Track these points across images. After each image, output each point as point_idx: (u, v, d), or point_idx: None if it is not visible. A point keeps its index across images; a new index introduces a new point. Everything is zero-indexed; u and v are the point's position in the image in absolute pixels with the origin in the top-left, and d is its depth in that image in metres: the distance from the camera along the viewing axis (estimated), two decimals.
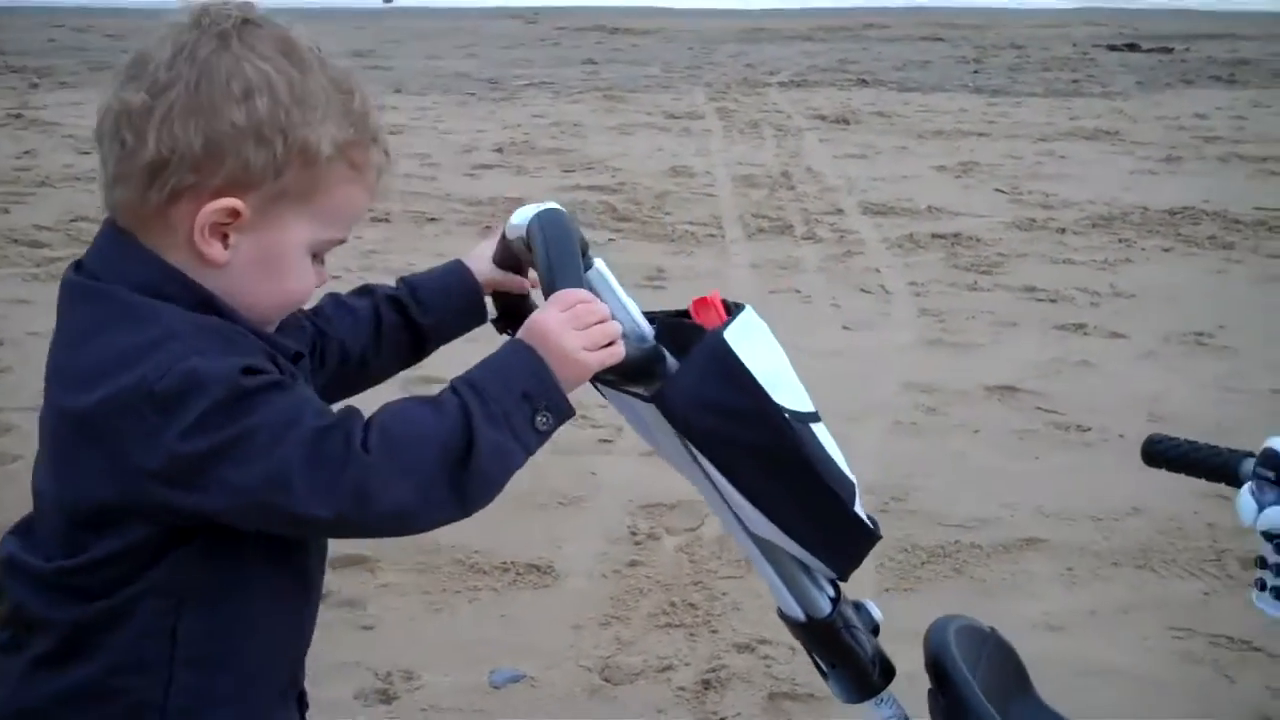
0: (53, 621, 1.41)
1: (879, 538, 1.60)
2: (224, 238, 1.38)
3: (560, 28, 16.66)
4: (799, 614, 1.64)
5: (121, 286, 1.37)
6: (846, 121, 10.35)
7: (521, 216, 1.62)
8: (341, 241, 1.46)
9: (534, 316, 1.44)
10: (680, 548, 3.64)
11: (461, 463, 1.35)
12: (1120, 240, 6.95)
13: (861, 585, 3.43)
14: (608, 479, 4.03)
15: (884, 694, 1.68)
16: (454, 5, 19.77)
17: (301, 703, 1.59)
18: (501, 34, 16.01)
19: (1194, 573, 3.57)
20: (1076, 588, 3.50)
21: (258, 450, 1.30)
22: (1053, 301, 5.93)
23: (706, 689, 3.00)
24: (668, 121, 10.21)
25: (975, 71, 13.49)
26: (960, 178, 8.47)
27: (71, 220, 6.77)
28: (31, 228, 6.59)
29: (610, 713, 2.92)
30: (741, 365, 1.49)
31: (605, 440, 4.28)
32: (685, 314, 1.61)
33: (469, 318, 1.75)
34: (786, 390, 1.55)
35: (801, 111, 10.76)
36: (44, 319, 5.23)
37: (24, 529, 1.48)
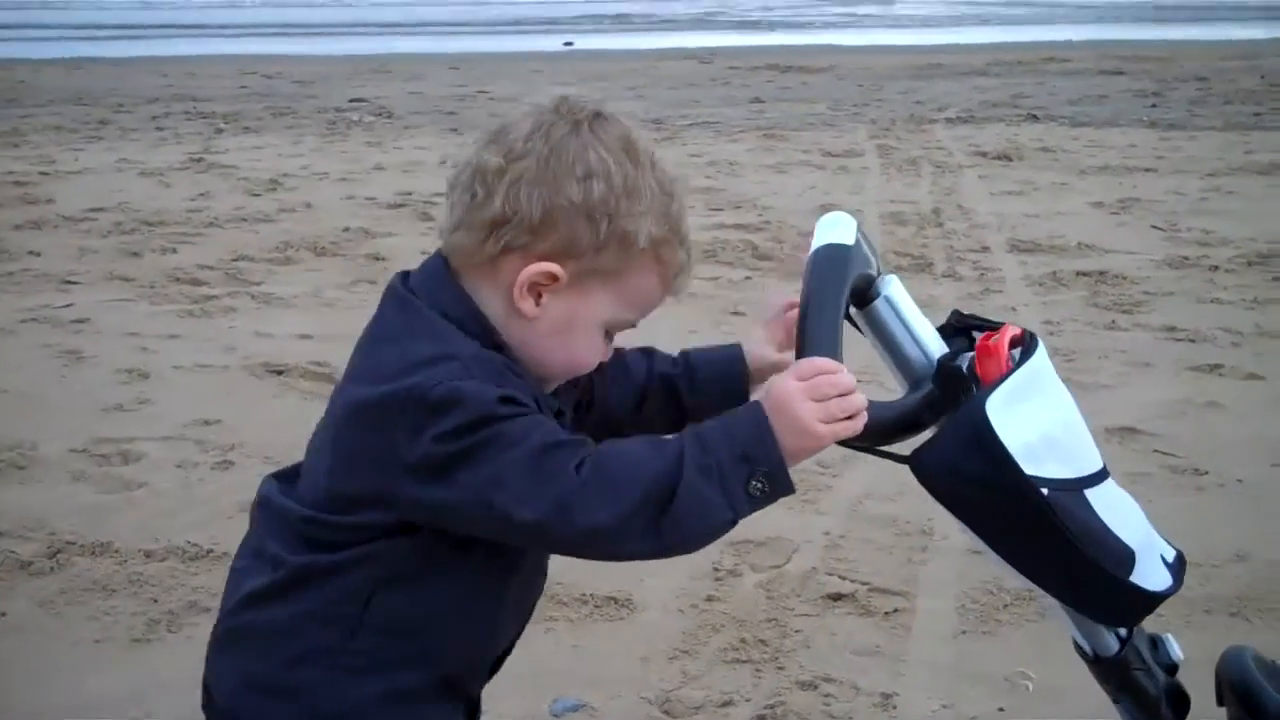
0: (282, 560, 1.64)
1: (1161, 598, 1.64)
2: (538, 296, 1.59)
3: (733, 67, 16.77)
4: (1088, 650, 1.72)
5: (434, 310, 1.59)
6: (1009, 158, 10.19)
7: (819, 236, 1.64)
8: (632, 325, 1.66)
9: (773, 381, 1.54)
10: (761, 584, 3.65)
11: (664, 502, 1.47)
12: (1274, 279, 6.71)
13: (939, 624, 3.42)
14: None
15: None
16: (631, 47, 20.15)
17: (473, 714, 1.79)
18: (674, 74, 16.19)
19: None
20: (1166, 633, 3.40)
21: (491, 456, 1.49)
22: (1192, 341, 5.76)
23: None
24: (825, 160, 10.20)
25: (1153, 105, 13.14)
26: (1117, 214, 8.28)
27: (234, 260, 7.07)
28: (195, 267, 6.92)
29: None
30: (997, 440, 1.53)
31: None
32: (985, 330, 1.66)
33: (731, 403, 1.77)
34: (1059, 455, 1.59)
35: (964, 148, 10.63)
36: (191, 354, 5.56)
37: (286, 476, 1.74)
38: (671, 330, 5.72)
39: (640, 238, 1.59)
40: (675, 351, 1.89)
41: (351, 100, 13.66)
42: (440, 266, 1.64)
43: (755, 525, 3.91)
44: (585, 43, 20.86)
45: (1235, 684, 1.78)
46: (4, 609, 3.45)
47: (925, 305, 5.69)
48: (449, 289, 1.61)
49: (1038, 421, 1.62)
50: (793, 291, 1.72)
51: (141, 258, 7.12)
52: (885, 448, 1.67)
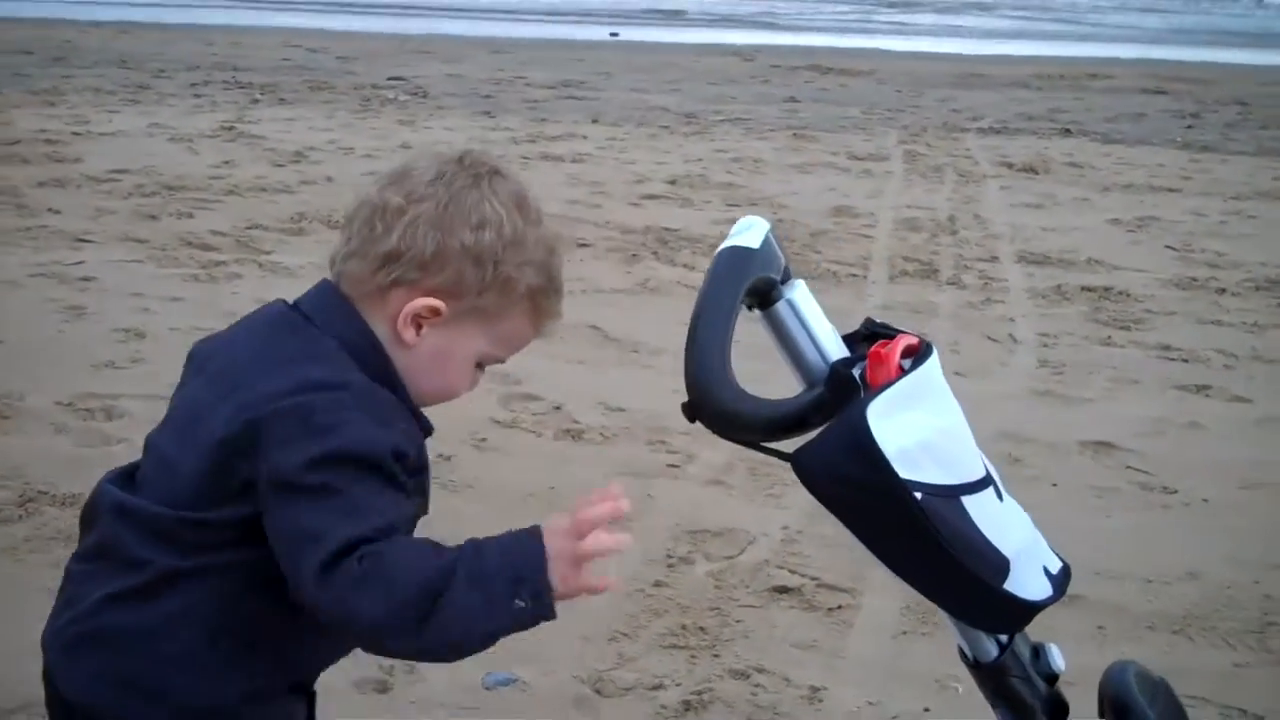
0: (148, 563, 1.66)
1: (1037, 608, 1.67)
2: (419, 327, 1.70)
3: (774, 66, 16.76)
4: (969, 654, 1.77)
5: (330, 336, 1.69)
6: (1035, 170, 10.17)
7: (728, 239, 1.71)
8: (501, 361, 1.80)
9: (556, 518, 1.65)
10: (711, 573, 3.69)
11: (431, 602, 1.55)
12: (1279, 305, 6.70)
13: (880, 622, 3.46)
14: (664, 503, 4.11)
15: None
16: (676, 40, 20.17)
17: (311, 697, 1.84)
18: (714, 70, 16.20)
19: (1231, 643, 3.46)
20: (1104, 647, 3.42)
21: (324, 510, 1.57)
22: (1185, 361, 5.75)
23: (687, 709, 3.06)
24: (849, 162, 10.20)
25: (1189, 126, 13.06)
26: (1133, 232, 8.25)
27: (247, 228, 7.17)
28: (208, 232, 7.01)
29: None
30: (874, 443, 1.57)
31: (673, 465, 4.37)
32: (882, 339, 1.71)
33: None
34: (937, 461, 1.63)
35: (991, 158, 10.61)
36: (190, 317, 5.64)
37: (125, 478, 1.77)
38: (665, 320, 5.79)
39: (520, 285, 1.73)
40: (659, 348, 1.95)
41: (389, 78, 13.75)
42: (332, 293, 1.74)
43: (715, 514, 3.99)
44: (632, 34, 20.87)
45: (1114, 699, 1.82)
46: None
47: (921, 312, 5.78)
48: (347, 314, 1.72)
49: (918, 428, 1.66)
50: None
51: (158, 221, 7.22)
52: (773, 445, 1.72)
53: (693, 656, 3.29)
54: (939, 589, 1.70)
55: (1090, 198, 9.30)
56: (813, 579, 3.65)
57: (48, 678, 1.75)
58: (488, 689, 3.11)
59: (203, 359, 1.81)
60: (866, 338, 1.78)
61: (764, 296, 1.73)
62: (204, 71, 13.52)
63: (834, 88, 15.14)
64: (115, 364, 4.96)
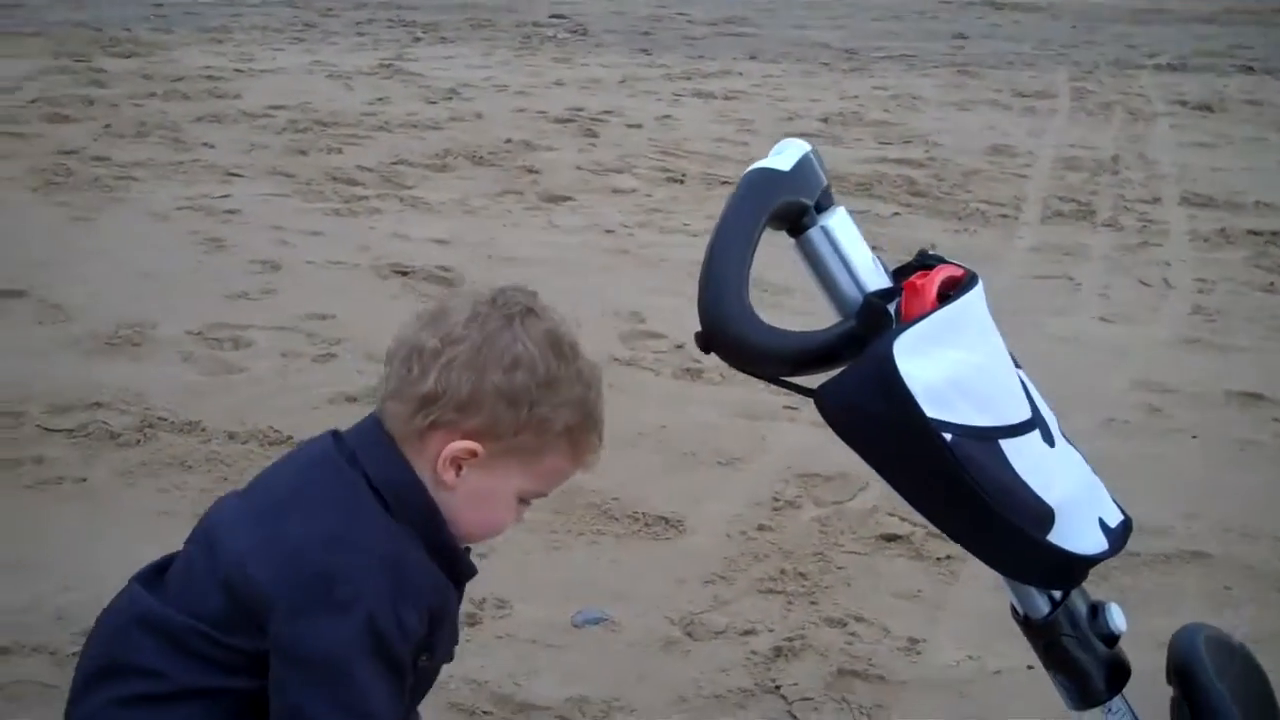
0: (162, 675, 1.70)
1: (1088, 561, 1.59)
2: (458, 468, 1.72)
3: (944, 2, 16.32)
4: (1019, 610, 1.70)
5: (363, 480, 1.71)
6: (1210, 109, 9.72)
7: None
8: (543, 495, 1.81)
9: None
10: (817, 519, 3.60)
11: None
12: None
13: (989, 576, 3.33)
14: (777, 444, 4.02)
15: (1113, 702, 1.69)
16: None
17: None
18: (880, 4, 15.84)
19: None
20: (1226, 609, 3.24)
21: (321, 694, 1.63)
22: None
23: (778, 656, 2.98)
24: (1013, 100, 9.88)
25: None
26: None
27: (393, 164, 7.21)
28: (354, 168, 7.08)
29: (673, 666, 2.95)
30: (898, 378, 1.50)
31: (790, 407, 4.27)
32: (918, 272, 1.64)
33: None
34: (973, 401, 1.55)
35: (1164, 96, 10.17)
36: (326, 250, 5.70)
37: (149, 578, 1.81)
38: (797, 259, 5.66)
39: (557, 425, 1.73)
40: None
41: (551, 15, 13.74)
42: (378, 431, 1.75)
43: (828, 459, 3.88)
44: None
45: (1179, 666, 1.71)
46: (86, 475, 3.61)
47: (1072, 254, 5.58)
48: (390, 453, 1.74)
49: (951, 365, 1.56)
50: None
51: (307, 156, 7.31)
52: (795, 380, 1.63)
53: (789, 602, 3.21)
54: (974, 538, 1.60)
55: (1267, 137, 8.86)
56: (922, 527, 3.52)
57: None
58: (577, 626, 3.08)
59: (254, 480, 1.86)
60: (917, 270, 1.68)
61: (795, 222, 1.64)
62: (369, 10, 13.68)
63: (1006, 24, 14.69)
64: (248, 295, 5.03)
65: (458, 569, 1.79)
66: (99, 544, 3.24)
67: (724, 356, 1.59)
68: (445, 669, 2.77)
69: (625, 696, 2.83)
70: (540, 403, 1.71)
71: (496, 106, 8.85)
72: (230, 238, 5.75)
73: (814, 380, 1.58)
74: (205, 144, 7.42)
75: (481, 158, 7.40)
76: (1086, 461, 1.74)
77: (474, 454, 1.71)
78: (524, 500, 1.80)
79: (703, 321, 1.57)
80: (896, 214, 6.70)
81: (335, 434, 1.80)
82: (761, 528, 3.54)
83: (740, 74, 10.66)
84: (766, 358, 1.57)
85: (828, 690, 2.88)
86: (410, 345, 1.73)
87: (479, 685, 2.82)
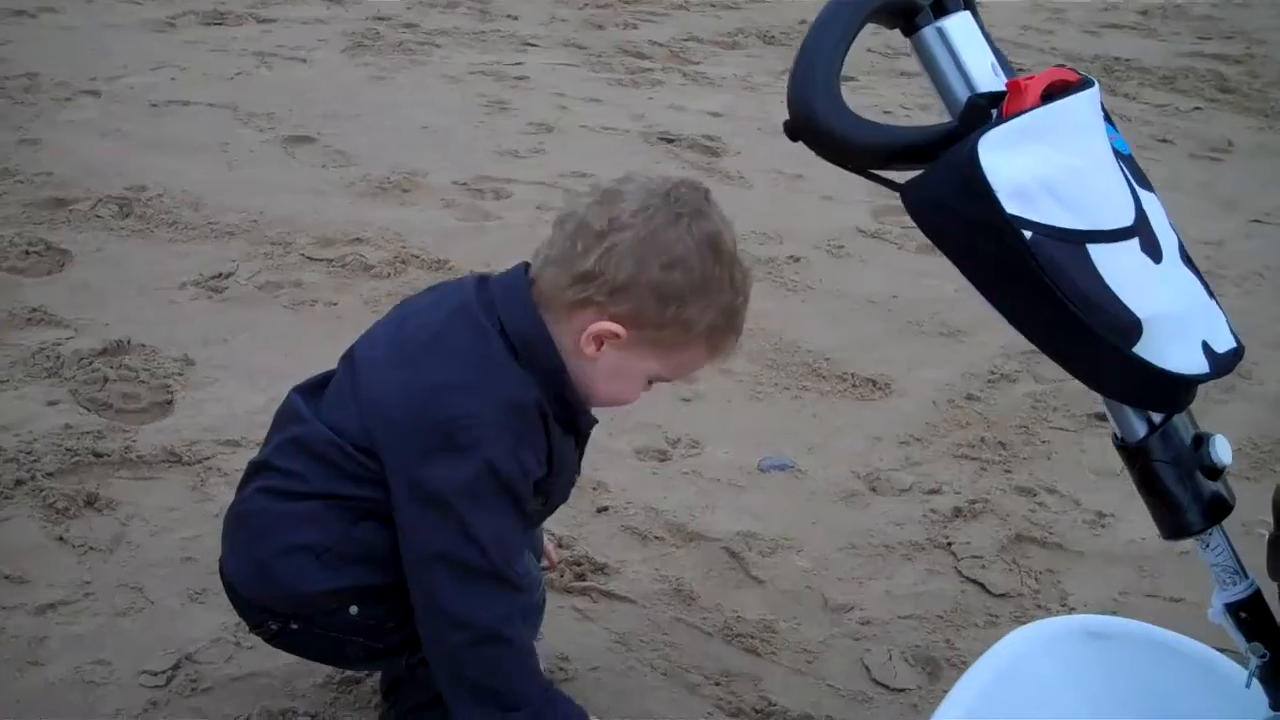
0: (302, 476, 1.94)
1: (1182, 381, 1.54)
2: (599, 344, 1.84)
3: None
4: (1116, 432, 1.69)
5: (498, 327, 1.85)
6: None
7: None
8: (668, 380, 1.93)
9: None
10: (1031, 394, 3.53)
11: (493, 704, 1.85)
12: None
13: None
14: (1003, 322, 3.92)
15: (1211, 538, 1.68)
16: None
17: None
18: None
19: None
20: None
21: (448, 528, 1.81)
22: None
23: (956, 515, 2.97)
24: None
25: None
26: None
27: (684, 40, 7.26)
28: (646, 42, 7.17)
29: (849, 515, 2.97)
30: (979, 174, 1.47)
31: None
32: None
33: None
34: (1062, 202, 1.51)
35: None
36: (601, 117, 5.86)
37: (311, 389, 2.05)
38: None
39: (699, 325, 1.82)
40: None
41: None
42: (523, 284, 1.88)
43: None
44: None
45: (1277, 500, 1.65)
46: (337, 300, 3.87)
47: None
48: (528, 313, 1.85)
49: (1041, 164, 1.51)
50: None
51: (603, 30, 7.46)
52: (884, 174, 1.62)
53: (982, 469, 3.18)
54: (1059, 348, 1.55)
55: None
56: None
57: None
58: (762, 471, 3.13)
59: (404, 306, 2.03)
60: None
61: (908, 21, 1.61)
62: None
63: None
64: (518, 153, 5.22)
65: (577, 422, 1.93)
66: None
67: (811, 146, 1.57)
68: (624, 494, 2.90)
69: (795, 537, 2.87)
70: (689, 303, 1.80)
71: None
72: (513, 101, 5.95)
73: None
74: (509, 15, 7.65)
75: (773, 37, 7.39)
76: (1206, 287, 1.67)
77: (616, 336, 1.82)
78: (651, 382, 1.92)
79: (791, 110, 1.55)
80: (1198, 108, 6.35)
81: (481, 279, 1.94)
82: (970, 397, 3.50)
83: None
84: (854, 149, 1.56)
85: (1000, 553, 2.85)
86: (579, 220, 1.83)
87: (655, 513, 2.92)
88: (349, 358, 2.01)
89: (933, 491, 3.07)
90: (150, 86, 5.85)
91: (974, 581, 2.75)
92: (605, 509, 2.92)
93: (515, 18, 7.61)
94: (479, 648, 1.83)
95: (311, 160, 5.02)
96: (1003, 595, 2.71)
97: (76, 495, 2.85)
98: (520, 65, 6.59)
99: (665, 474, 3.09)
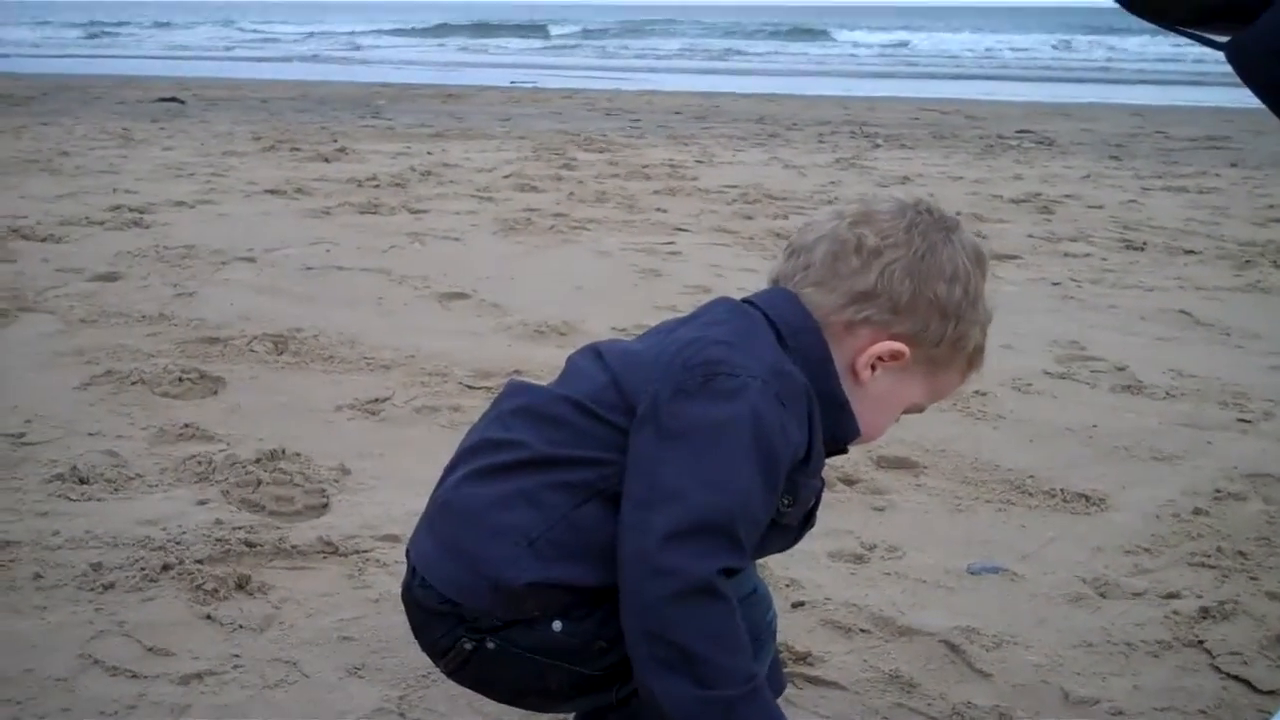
0: (520, 444, 1.70)
1: None
2: (873, 368, 1.73)
3: None
4: None
5: (763, 316, 1.71)
6: None
7: None
8: (920, 410, 1.81)
9: None
10: (1265, 511, 3.17)
11: (699, 681, 1.51)
12: None
13: None
14: (1224, 450, 3.59)
15: None
16: None
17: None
18: None
19: None
20: None
21: (690, 469, 1.56)
22: None
23: (1204, 617, 2.60)
24: None
25: None
26: None
27: None
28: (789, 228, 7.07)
29: (1079, 616, 2.63)
30: None
31: (1243, 420, 3.84)
32: None
33: None
34: None
35: None
36: (758, 283, 5.68)
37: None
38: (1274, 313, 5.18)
39: (970, 342, 1.75)
40: None
41: (1017, 131, 13.50)
42: (800, 306, 1.73)
43: (1274, 461, 3.44)
44: None
45: None
46: None
47: None
48: (796, 307, 1.73)
49: None
50: None
51: (752, 220, 7.40)
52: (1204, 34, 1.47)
53: (1224, 576, 2.81)
54: None
55: None
56: None
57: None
58: (973, 574, 2.81)
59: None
60: None
61: None
62: (833, 125, 13.89)
63: None
64: (676, 307, 5.05)
65: (841, 422, 1.73)
66: None
67: (1127, 4, 1.44)
68: (820, 590, 2.60)
69: (1021, 634, 2.53)
70: (964, 319, 1.72)
71: (949, 190, 8.70)
72: (668, 270, 5.84)
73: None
74: (658, 209, 7.64)
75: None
76: None
77: (899, 356, 1.71)
78: (906, 410, 1.80)
79: None
80: None
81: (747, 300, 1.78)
82: (1198, 511, 3.15)
83: (1218, 175, 10.05)
84: (1174, 3, 1.41)
85: (1262, 650, 2.48)
86: (842, 238, 1.72)
87: (858, 609, 2.61)
88: (584, 355, 1.82)
89: (1171, 595, 2.71)
90: (306, 256, 5.85)
91: (1236, 679, 2.38)
92: (801, 604, 2.62)
93: (664, 210, 7.60)
94: (685, 600, 1.51)
95: (467, 311, 4.91)
96: (1271, 692, 2.34)
97: (226, 578, 2.63)
98: (672, 244, 6.52)
99: (865, 574, 2.78)
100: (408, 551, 1.78)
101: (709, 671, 1.50)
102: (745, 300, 1.77)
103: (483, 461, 1.72)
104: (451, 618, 1.70)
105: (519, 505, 1.65)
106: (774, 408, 1.60)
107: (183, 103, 14.48)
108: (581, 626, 1.67)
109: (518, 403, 1.76)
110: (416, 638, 1.78)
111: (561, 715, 1.95)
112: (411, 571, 1.76)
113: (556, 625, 1.67)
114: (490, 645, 1.69)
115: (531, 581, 1.63)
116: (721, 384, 1.59)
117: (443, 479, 1.79)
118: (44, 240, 6.02)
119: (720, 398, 1.59)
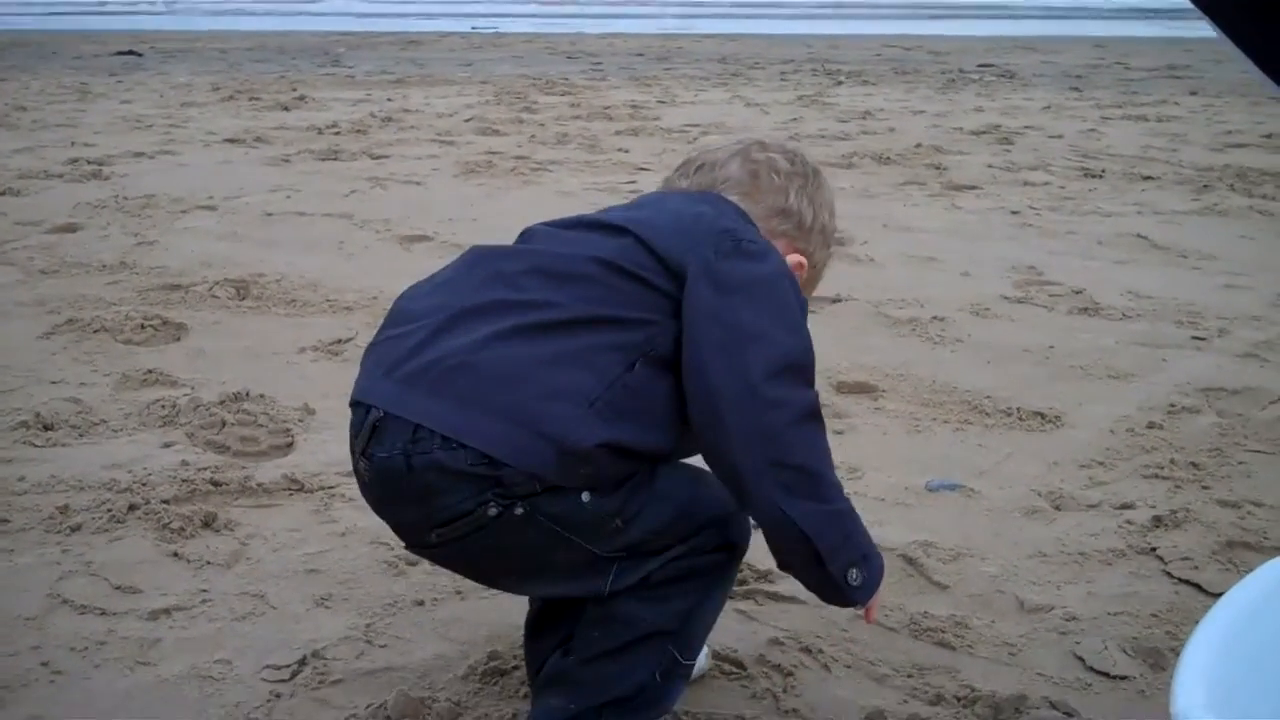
0: (554, 304, 1.69)
1: None
2: None
3: None
4: None
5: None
6: None
7: None
8: None
9: None
10: (1218, 424, 3.22)
11: (819, 494, 1.68)
12: None
13: None
14: (1179, 367, 3.64)
15: None
16: None
17: None
18: None
19: None
20: None
21: (765, 312, 1.68)
22: None
23: (1157, 525, 2.66)
24: None
25: None
26: None
27: None
28: None
29: (1034, 528, 2.67)
30: None
31: (1199, 338, 3.89)
32: None
33: None
34: None
35: None
36: None
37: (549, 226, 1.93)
38: (1229, 235, 5.19)
39: (824, 269, 1.99)
40: None
41: (979, 64, 13.51)
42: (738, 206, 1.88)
43: (1238, 377, 3.50)
44: None
45: None
46: None
47: None
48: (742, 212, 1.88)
49: None
50: None
51: None
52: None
53: (1177, 486, 2.87)
54: None
55: None
56: None
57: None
58: (930, 491, 2.85)
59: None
60: None
61: None
62: (795, 64, 13.85)
63: None
64: None
65: None
66: None
67: None
68: None
69: (977, 547, 2.58)
70: (829, 248, 1.97)
71: (910, 123, 8.72)
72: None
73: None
74: (620, 149, 7.63)
75: (888, 159, 7.27)
76: None
77: (801, 268, 1.88)
78: None
79: None
80: None
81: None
82: (1151, 425, 3.20)
83: (1177, 103, 10.09)
84: None
85: (1213, 556, 2.53)
86: (752, 159, 1.91)
87: None
88: (556, 225, 1.87)
89: (1125, 506, 2.76)
90: (266, 203, 5.83)
91: (1188, 583, 2.43)
92: None
93: (626, 151, 7.58)
94: (803, 425, 1.66)
95: (429, 253, 4.91)
96: (1222, 595, 2.38)
97: (193, 516, 2.65)
98: (634, 183, 6.52)
99: None
100: (367, 409, 1.69)
101: (827, 488, 1.67)
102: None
103: (510, 321, 1.67)
104: (485, 480, 1.63)
105: (572, 366, 1.64)
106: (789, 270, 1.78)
107: (140, 55, 14.33)
108: (608, 500, 1.68)
109: (531, 264, 1.74)
110: (392, 508, 1.72)
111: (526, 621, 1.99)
112: (412, 431, 1.64)
113: (585, 496, 1.67)
114: (519, 511, 1.64)
115: (602, 442, 1.62)
116: (749, 248, 1.72)
117: (432, 339, 1.69)
118: (2, 194, 5.98)
119: (756, 258, 1.72)
